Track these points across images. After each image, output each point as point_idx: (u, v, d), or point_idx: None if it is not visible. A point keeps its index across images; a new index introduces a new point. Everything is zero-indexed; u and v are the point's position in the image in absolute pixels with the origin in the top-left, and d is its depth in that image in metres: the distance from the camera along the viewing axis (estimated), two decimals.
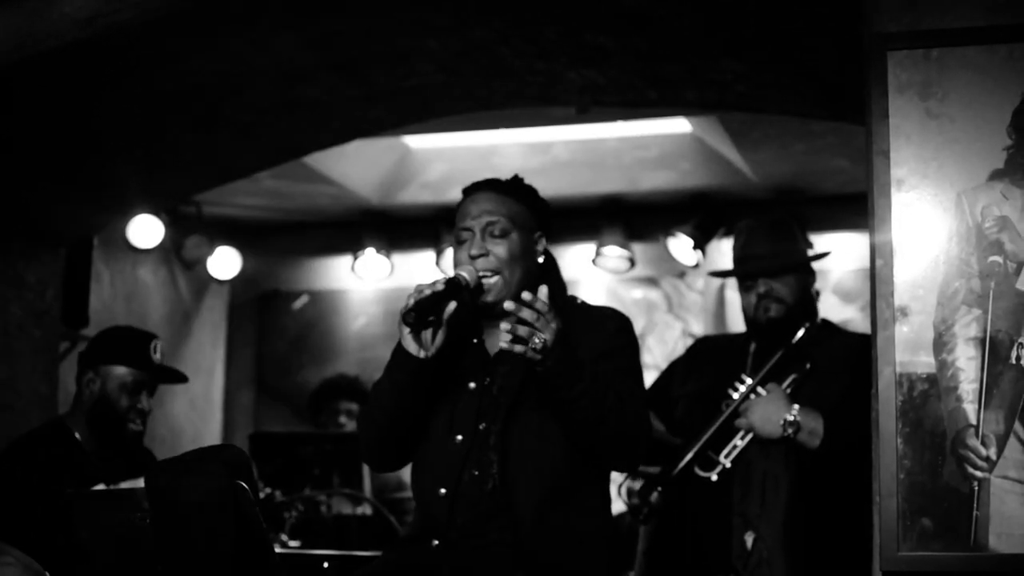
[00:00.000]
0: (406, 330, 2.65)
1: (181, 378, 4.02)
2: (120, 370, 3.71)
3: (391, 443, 2.81)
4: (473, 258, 2.74)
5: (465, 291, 2.69)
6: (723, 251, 6.04)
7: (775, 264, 3.54)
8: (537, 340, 2.49)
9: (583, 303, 2.89)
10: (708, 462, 3.42)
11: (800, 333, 3.48)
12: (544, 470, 2.67)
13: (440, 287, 2.62)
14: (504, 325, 2.51)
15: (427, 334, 2.66)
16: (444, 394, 2.76)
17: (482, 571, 2.64)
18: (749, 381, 3.45)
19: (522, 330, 2.50)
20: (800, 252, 3.64)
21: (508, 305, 2.51)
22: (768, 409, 3.37)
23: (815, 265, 3.69)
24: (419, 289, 2.62)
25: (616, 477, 3.46)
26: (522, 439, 2.69)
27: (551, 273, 2.87)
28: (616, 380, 2.68)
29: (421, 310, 2.61)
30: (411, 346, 2.66)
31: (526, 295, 2.51)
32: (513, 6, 3.35)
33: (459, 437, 2.72)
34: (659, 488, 3.34)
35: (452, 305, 2.64)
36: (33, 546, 2.78)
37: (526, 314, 2.49)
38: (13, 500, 3.52)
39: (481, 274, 2.72)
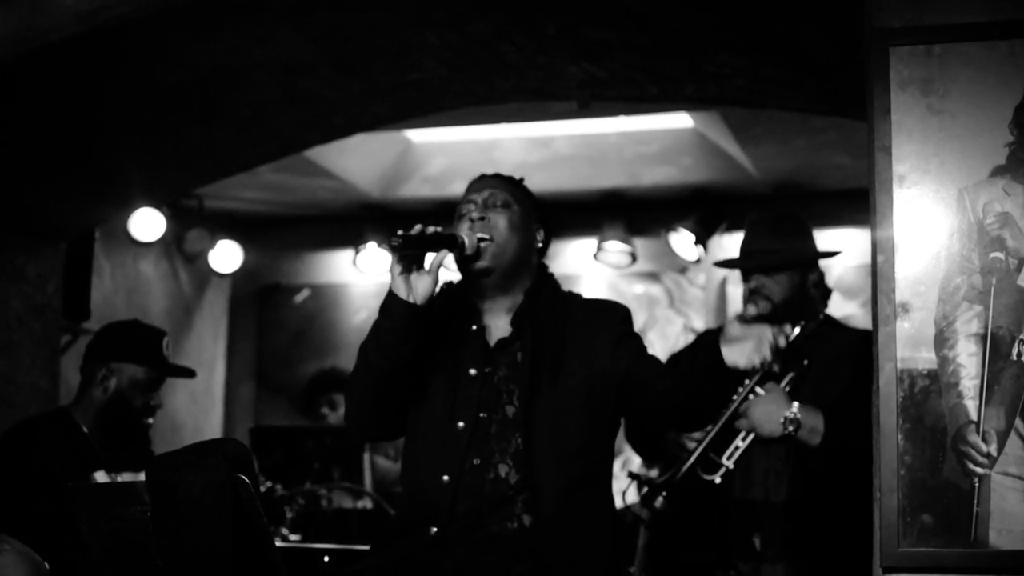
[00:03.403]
0: (397, 270, 2.67)
1: (190, 373, 4.07)
2: (135, 369, 3.74)
3: (376, 405, 2.77)
4: (472, 222, 2.77)
5: (459, 250, 2.71)
6: (724, 246, 6.04)
7: (770, 261, 3.54)
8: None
9: (583, 298, 2.92)
10: (710, 464, 3.41)
11: (796, 331, 3.47)
12: (561, 463, 2.67)
13: (434, 231, 2.65)
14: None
15: (416, 282, 2.67)
16: (442, 379, 2.75)
17: (484, 564, 2.62)
18: (747, 382, 3.44)
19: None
20: (801, 249, 3.63)
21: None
22: (768, 408, 3.36)
23: (820, 262, 3.68)
24: (414, 227, 2.65)
25: (617, 476, 3.46)
26: (533, 432, 2.69)
27: (548, 280, 2.89)
28: (646, 358, 2.79)
29: (409, 242, 2.63)
30: (401, 288, 2.68)
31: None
32: (512, 1, 3.35)
33: (461, 424, 2.71)
34: (663, 494, 3.34)
35: (444, 253, 2.67)
36: (33, 538, 2.78)
37: None
38: (13, 488, 3.53)
39: (480, 236, 2.75)
